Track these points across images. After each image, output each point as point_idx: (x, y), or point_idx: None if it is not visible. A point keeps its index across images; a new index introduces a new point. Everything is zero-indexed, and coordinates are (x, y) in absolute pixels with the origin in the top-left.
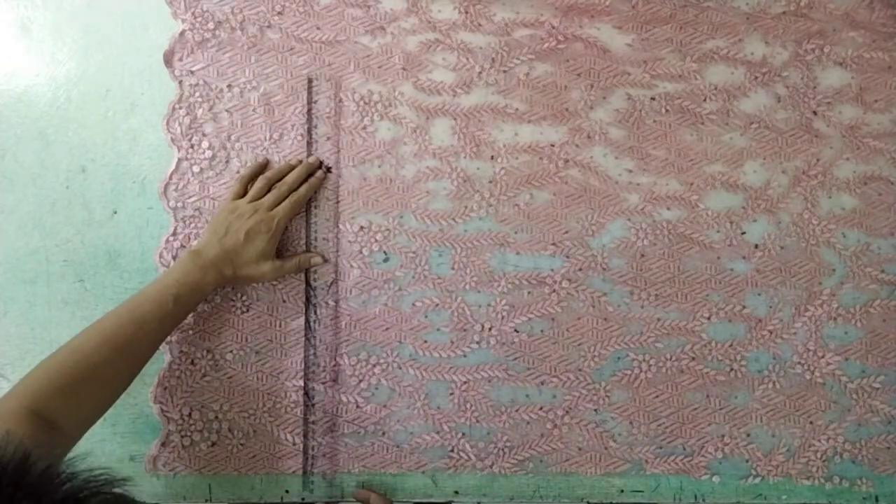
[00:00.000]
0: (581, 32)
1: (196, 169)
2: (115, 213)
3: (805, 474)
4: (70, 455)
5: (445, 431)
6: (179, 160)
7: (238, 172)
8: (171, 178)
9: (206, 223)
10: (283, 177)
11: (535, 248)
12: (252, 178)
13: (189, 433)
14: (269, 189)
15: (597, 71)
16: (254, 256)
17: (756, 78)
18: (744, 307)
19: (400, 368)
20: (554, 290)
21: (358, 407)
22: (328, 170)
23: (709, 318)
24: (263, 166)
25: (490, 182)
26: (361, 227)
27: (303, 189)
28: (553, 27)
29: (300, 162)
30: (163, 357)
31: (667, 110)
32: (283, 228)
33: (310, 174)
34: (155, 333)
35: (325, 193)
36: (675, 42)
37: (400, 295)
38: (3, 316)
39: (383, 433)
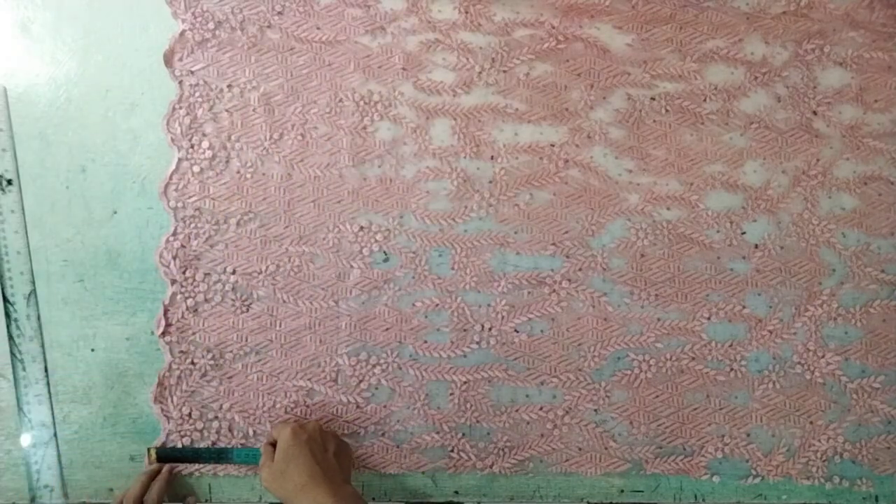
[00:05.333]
0: (581, 32)
1: (196, 169)
2: (115, 213)
3: (805, 474)
4: (71, 453)
5: (445, 431)
6: (180, 160)
7: (238, 172)
8: (171, 177)
9: (206, 223)
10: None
11: (535, 248)
12: None
13: (189, 433)
14: None
15: (597, 71)
16: None
17: (756, 78)
18: (744, 307)
19: (400, 368)
20: (554, 290)
21: (358, 407)
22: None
23: (709, 318)
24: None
25: (490, 182)
26: (361, 227)
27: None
28: (553, 27)
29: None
30: (163, 357)
31: (667, 110)
32: None
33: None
34: None
35: (325, 193)
36: (675, 42)
37: (400, 295)
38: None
39: (383, 433)
